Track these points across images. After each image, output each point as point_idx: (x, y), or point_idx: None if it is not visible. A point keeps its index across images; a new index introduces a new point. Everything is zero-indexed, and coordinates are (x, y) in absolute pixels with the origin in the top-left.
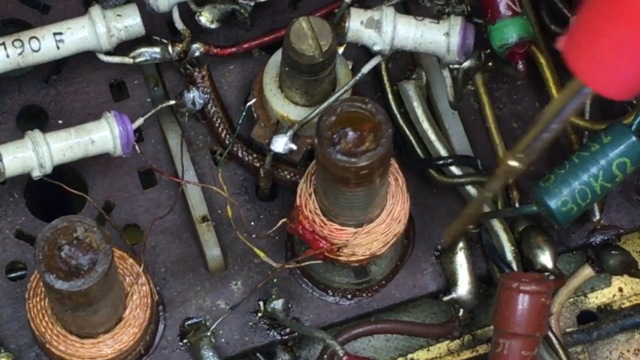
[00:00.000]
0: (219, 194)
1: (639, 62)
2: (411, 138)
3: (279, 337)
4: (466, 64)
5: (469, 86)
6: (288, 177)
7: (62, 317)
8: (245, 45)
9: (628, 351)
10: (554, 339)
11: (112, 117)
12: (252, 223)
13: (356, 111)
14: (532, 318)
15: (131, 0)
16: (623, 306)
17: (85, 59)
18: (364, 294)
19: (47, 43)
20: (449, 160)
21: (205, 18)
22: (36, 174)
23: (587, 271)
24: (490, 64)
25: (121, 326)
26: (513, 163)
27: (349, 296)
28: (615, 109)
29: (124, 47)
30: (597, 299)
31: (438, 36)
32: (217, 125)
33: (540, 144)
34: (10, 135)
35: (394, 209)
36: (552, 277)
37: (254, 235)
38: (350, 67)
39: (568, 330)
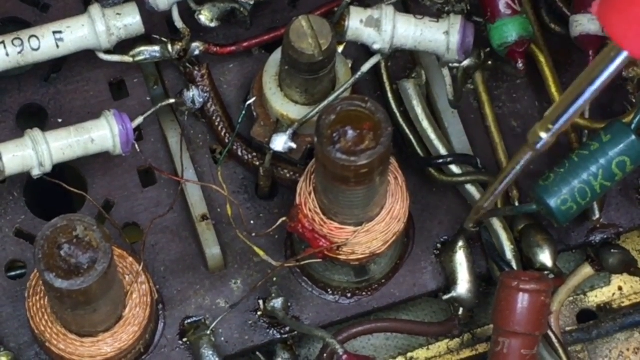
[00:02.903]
0: (219, 193)
1: None
2: (411, 137)
3: (278, 336)
4: (466, 62)
5: (468, 85)
6: (288, 175)
7: (61, 315)
8: (245, 44)
9: (628, 350)
10: (553, 337)
11: (111, 115)
12: (252, 222)
13: (356, 110)
14: (532, 317)
15: None
16: (623, 305)
17: (85, 57)
18: (364, 293)
19: (46, 42)
20: (449, 159)
21: (205, 17)
22: (36, 172)
23: (587, 270)
24: (489, 62)
25: (121, 325)
26: (543, 134)
27: (349, 295)
28: (615, 107)
29: (124, 45)
30: (596, 297)
31: (438, 35)
32: (216, 124)
33: (573, 114)
34: (10, 134)
35: (394, 208)
36: (551, 276)
37: (253, 234)
38: (350, 65)
39: (568, 329)
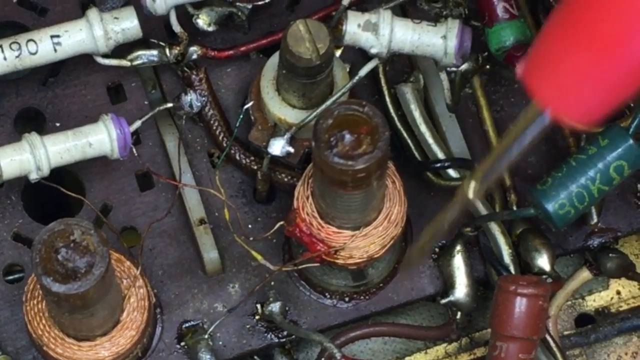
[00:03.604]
0: (217, 197)
1: (604, 87)
2: (408, 141)
3: (276, 340)
4: (463, 67)
5: (466, 89)
6: (285, 179)
7: (59, 319)
8: (243, 48)
9: (626, 354)
10: (551, 342)
11: (109, 119)
12: (250, 226)
13: (353, 114)
14: (530, 321)
15: (129, 3)
16: (621, 309)
17: (83, 61)
18: (362, 297)
19: (44, 46)
20: (447, 163)
21: (203, 21)
22: (33, 176)
23: (585, 274)
24: (487, 67)
25: (118, 329)
26: (470, 193)
27: (347, 299)
28: (613, 112)
29: (122, 49)
30: (594, 302)
31: (435, 39)
32: (214, 128)
33: (498, 172)
34: (8, 138)
35: (391, 212)
36: (549, 280)
37: (251, 238)
38: (348, 70)
39: (566, 333)
